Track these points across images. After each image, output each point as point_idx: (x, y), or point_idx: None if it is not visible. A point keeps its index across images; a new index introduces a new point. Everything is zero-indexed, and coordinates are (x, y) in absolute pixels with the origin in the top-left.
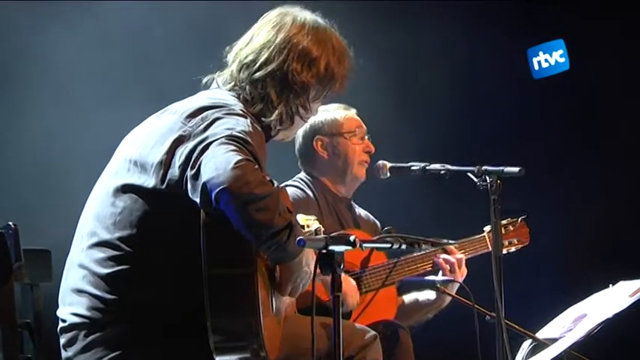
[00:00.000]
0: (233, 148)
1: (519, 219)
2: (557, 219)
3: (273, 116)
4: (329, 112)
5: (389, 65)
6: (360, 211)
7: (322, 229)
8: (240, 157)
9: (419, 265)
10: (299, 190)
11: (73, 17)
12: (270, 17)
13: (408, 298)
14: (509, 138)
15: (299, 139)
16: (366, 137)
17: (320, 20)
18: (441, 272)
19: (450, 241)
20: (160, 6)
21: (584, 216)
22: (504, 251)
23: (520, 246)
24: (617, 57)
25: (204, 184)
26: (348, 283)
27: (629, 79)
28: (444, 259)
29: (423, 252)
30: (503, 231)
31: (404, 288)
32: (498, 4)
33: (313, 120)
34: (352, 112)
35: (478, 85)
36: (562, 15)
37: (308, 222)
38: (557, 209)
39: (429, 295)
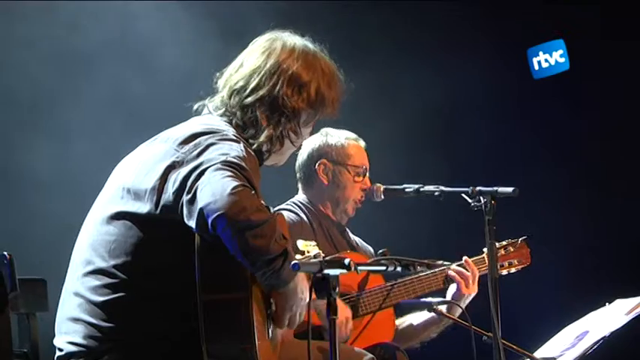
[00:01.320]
0: (229, 173)
1: (519, 240)
2: (556, 236)
3: (262, 138)
4: (340, 138)
5: (386, 66)
6: (355, 237)
7: (322, 254)
8: (236, 183)
9: (417, 287)
10: (293, 214)
11: None
12: (260, 43)
13: (408, 319)
14: (508, 138)
15: (303, 156)
16: (367, 175)
17: (309, 45)
18: (454, 286)
19: (446, 263)
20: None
21: (580, 228)
22: (504, 272)
23: (520, 267)
24: (617, 57)
25: (201, 210)
26: (341, 310)
27: (629, 79)
28: (459, 272)
29: (420, 274)
30: (503, 252)
31: (401, 310)
32: (498, 4)
33: (323, 141)
34: (362, 146)
35: (478, 85)
36: (562, 15)
37: (308, 247)
38: (554, 222)
39: (428, 314)
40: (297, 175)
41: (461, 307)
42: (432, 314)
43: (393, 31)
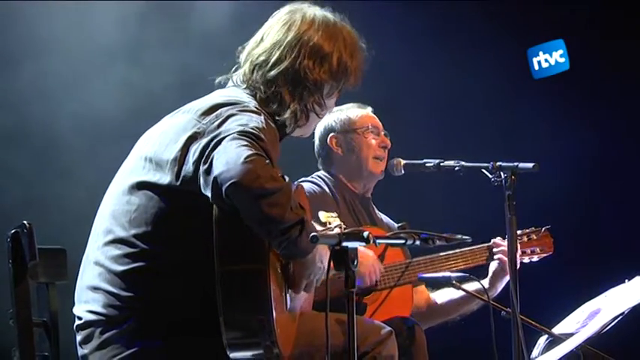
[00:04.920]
0: (244, 143)
1: (543, 228)
2: (569, 216)
3: (287, 114)
4: (342, 111)
5: (388, 66)
6: (381, 214)
7: (343, 226)
8: (250, 152)
9: (437, 267)
10: (315, 185)
11: None
12: (280, 15)
13: (442, 295)
14: (508, 138)
15: (316, 141)
16: (383, 133)
17: (329, 15)
18: (494, 263)
19: (465, 237)
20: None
21: (596, 212)
22: (526, 259)
23: (543, 255)
24: (617, 57)
25: (215, 179)
26: (366, 255)
27: (629, 79)
28: (503, 252)
29: (446, 254)
30: (525, 239)
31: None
32: (498, 4)
33: (327, 120)
34: (367, 110)
35: (478, 85)
36: (562, 15)
37: (329, 219)
38: (567, 206)
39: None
40: (318, 160)
41: (480, 283)
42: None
43: (393, 31)
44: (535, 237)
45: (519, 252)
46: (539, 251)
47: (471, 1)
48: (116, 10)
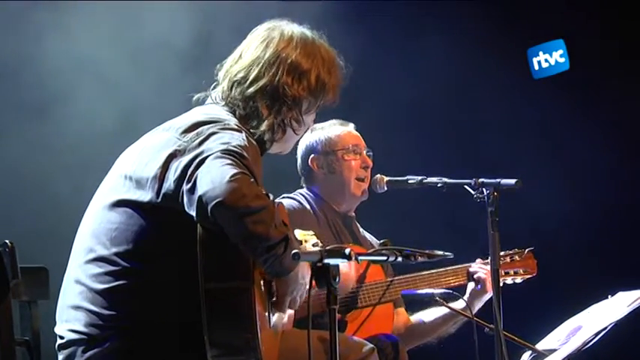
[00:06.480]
0: (229, 161)
1: (526, 250)
2: (557, 226)
3: (264, 127)
4: (323, 129)
5: (388, 67)
6: (365, 232)
7: (320, 244)
8: (235, 171)
9: (419, 285)
10: (295, 202)
11: None
12: (259, 33)
13: (419, 316)
14: (508, 138)
15: (298, 159)
16: (364, 152)
17: (308, 32)
18: (472, 284)
19: (447, 254)
20: None
21: (583, 223)
22: (510, 280)
23: (527, 276)
24: (617, 57)
25: (200, 198)
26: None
27: (629, 79)
28: (482, 271)
29: (428, 272)
30: (508, 260)
31: (413, 305)
32: (498, 4)
33: (308, 139)
34: (349, 128)
35: (478, 86)
36: (562, 15)
37: (306, 237)
38: (555, 215)
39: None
40: (301, 177)
41: (464, 299)
42: (446, 310)
43: (392, 30)
44: (518, 258)
45: (502, 272)
46: (522, 272)
47: (471, 1)
48: None
